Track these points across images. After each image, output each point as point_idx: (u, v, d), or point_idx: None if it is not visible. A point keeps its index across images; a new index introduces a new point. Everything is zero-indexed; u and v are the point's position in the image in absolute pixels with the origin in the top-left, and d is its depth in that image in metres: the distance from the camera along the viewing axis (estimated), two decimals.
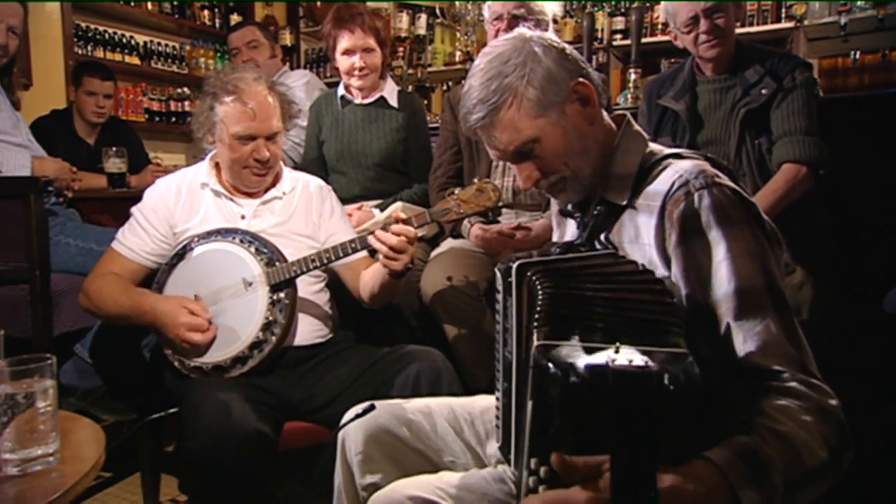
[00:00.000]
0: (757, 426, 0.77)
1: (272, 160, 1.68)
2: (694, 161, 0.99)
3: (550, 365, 0.69)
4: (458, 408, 1.21)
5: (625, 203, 1.03)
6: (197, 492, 1.47)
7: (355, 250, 1.60)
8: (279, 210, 1.74)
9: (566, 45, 1.06)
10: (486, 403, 1.22)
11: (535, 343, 0.73)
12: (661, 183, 0.98)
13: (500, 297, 0.97)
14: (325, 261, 1.60)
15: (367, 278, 1.70)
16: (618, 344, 0.69)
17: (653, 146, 1.09)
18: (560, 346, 0.71)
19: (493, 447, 1.15)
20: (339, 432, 1.20)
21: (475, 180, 1.56)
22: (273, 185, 1.76)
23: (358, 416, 1.18)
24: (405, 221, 1.49)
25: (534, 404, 0.74)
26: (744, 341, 0.86)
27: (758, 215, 0.95)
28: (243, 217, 1.71)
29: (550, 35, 1.07)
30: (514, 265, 0.88)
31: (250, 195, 1.74)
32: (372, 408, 1.19)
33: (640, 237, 1.01)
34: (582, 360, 0.67)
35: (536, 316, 0.77)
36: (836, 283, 1.83)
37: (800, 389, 0.82)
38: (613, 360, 0.66)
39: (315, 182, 1.84)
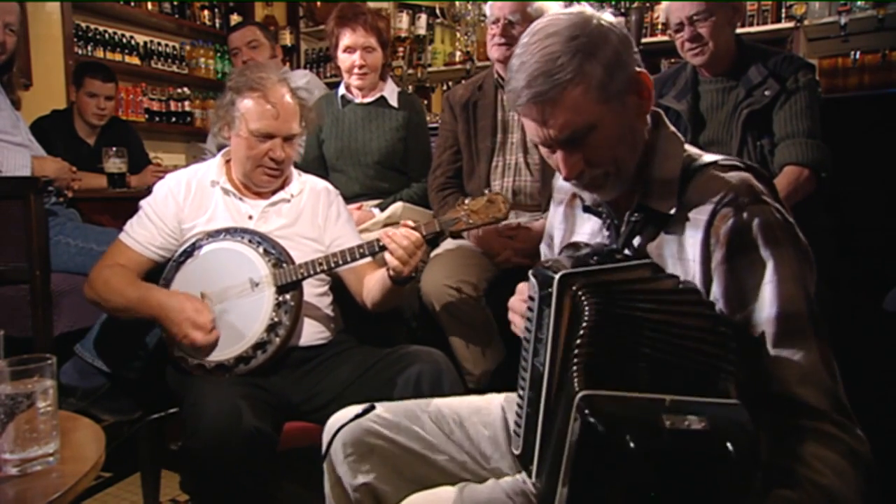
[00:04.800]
0: (799, 477, 0.79)
1: (286, 162, 1.69)
2: (740, 174, 0.95)
3: (597, 422, 0.66)
4: (445, 408, 1.19)
5: (672, 212, 0.97)
6: (198, 491, 1.47)
7: (363, 256, 1.61)
8: (286, 212, 1.74)
9: (624, 29, 0.98)
10: (475, 406, 1.20)
11: (579, 391, 0.71)
12: (708, 195, 0.93)
13: (533, 304, 0.92)
14: (333, 265, 1.60)
15: (371, 284, 1.71)
16: (667, 398, 0.67)
17: (689, 149, 1.03)
18: (607, 397, 0.69)
19: (493, 447, 1.15)
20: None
21: (486, 191, 1.59)
22: (282, 187, 1.76)
23: (358, 416, 1.17)
24: (413, 228, 1.50)
25: (578, 461, 0.71)
26: (782, 367, 0.85)
27: (799, 236, 0.92)
28: (251, 217, 1.71)
29: (610, 16, 0.98)
30: (557, 276, 0.84)
31: (259, 195, 1.74)
32: (372, 408, 1.18)
33: (684, 253, 0.96)
34: (632, 419, 0.65)
35: (579, 342, 0.76)
36: (837, 283, 1.83)
37: (835, 434, 0.82)
38: (671, 423, 0.64)
39: (323, 185, 1.85)
